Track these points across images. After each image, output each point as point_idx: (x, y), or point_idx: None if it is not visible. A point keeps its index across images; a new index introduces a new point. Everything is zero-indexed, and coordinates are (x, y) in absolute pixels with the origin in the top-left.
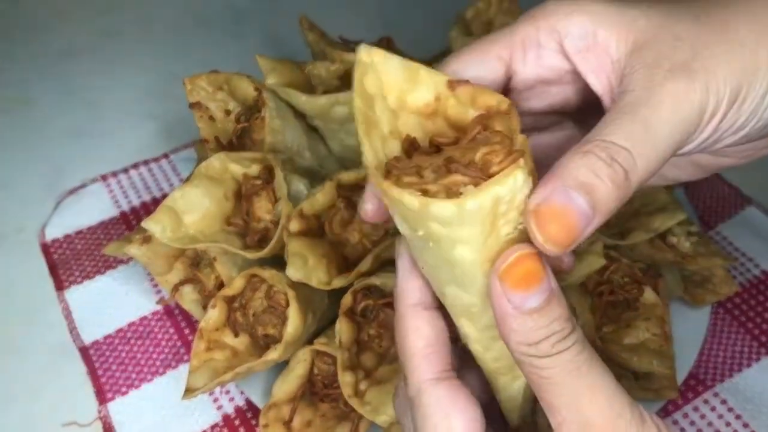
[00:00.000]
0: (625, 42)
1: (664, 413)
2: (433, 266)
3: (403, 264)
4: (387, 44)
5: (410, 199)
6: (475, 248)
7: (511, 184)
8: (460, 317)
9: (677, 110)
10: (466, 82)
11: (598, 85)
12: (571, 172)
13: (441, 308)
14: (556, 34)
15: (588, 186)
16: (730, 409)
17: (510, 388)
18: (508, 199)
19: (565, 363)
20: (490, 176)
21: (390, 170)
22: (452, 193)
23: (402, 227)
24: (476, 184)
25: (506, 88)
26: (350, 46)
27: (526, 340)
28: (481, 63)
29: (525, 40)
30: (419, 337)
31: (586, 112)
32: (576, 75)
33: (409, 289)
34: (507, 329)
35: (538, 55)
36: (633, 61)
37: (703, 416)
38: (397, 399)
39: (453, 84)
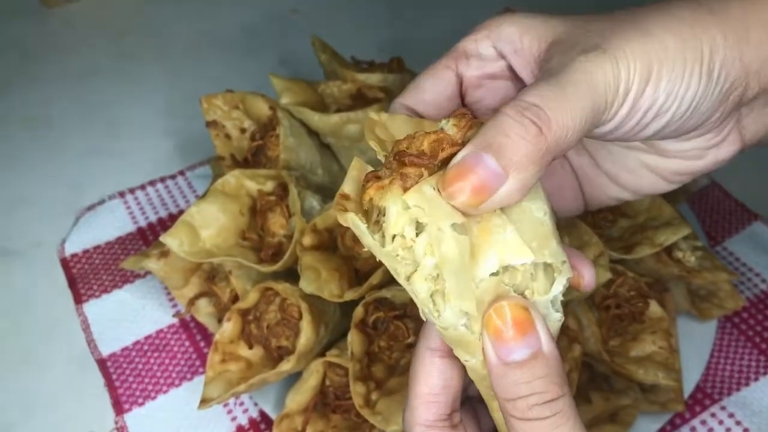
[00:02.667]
0: (545, 41)
1: (671, 426)
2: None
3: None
4: (398, 64)
5: (353, 219)
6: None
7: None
8: (456, 347)
9: (587, 75)
10: (466, 113)
11: (528, 77)
12: (483, 135)
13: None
14: (490, 42)
15: (495, 145)
16: (737, 423)
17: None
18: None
19: None
20: (442, 162)
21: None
22: (408, 182)
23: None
24: (430, 171)
25: (461, 91)
26: (362, 66)
27: (506, 394)
28: (434, 77)
29: (466, 50)
30: (426, 383)
31: None
32: (513, 71)
33: (432, 334)
34: (492, 376)
35: (480, 59)
36: (550, 50)
37: (710, 430)
38: (404, 414)
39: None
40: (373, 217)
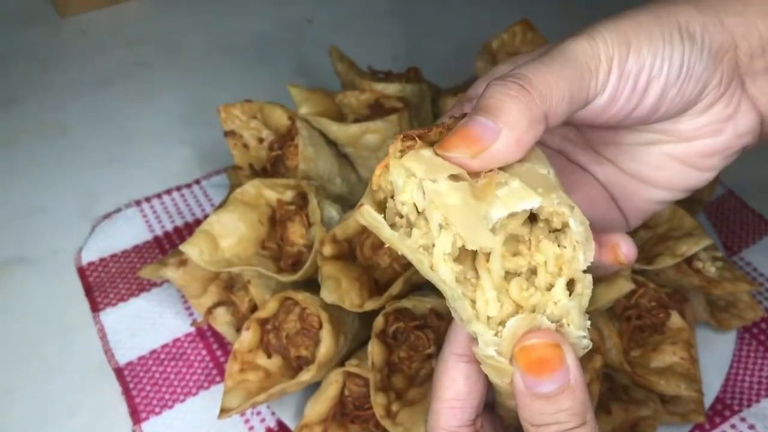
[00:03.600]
0: None
1: None
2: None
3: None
4: (414, 74)
5: (369, 212)
6: None
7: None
8: (485, 366)
9: (564, 50)
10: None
11: None
12: (475, 104)
13: None
14: None
15: (485, 107)
16: None
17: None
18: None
19: None
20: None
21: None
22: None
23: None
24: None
25: None
26: (378, 75)
27: (530, 420)
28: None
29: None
30: (452, 389)
31: None
32: None
33: (458, 339)
34: (518, 401)
35: None
36: None
37: None
38: (428, 418)
39: None
40: (393, 214)
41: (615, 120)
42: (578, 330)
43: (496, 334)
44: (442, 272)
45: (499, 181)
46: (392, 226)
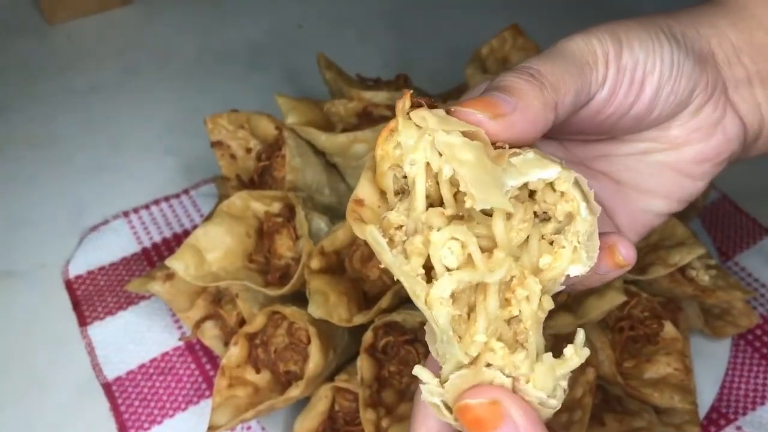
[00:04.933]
0: None
1: None
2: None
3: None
4: (404, 81)
5: (373, 233)
6: None
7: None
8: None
9: (562, 46)
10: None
11: None
12: (491, 87)
13: None
14: None
15: (500, 87)
16: None
17: None
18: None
19: None
20: None
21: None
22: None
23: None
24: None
25: None
26: (367, 83)
27: None
28: None
29: None
30: (424, 426)
31: None
32: None
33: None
34: None
35: None
36: None
37: None
38: None
39: None
40: (392, 192)
41: (613, 118)
42: (538, 391)
43: (441, 384)
44: (437, 313)
45: (514, 152)
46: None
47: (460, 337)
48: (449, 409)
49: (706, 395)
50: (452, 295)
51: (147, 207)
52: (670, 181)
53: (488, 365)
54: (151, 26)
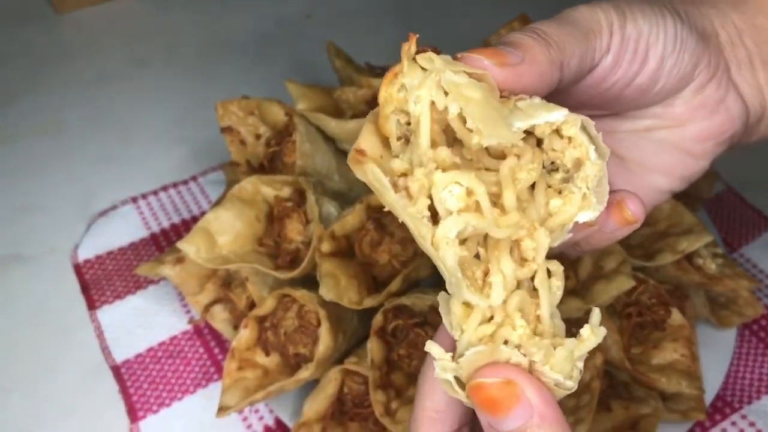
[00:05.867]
0: None
1: None
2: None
3: (438, 332)
4: None
5: (374, 170)
6: None
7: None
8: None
9: (570, 15)
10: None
11: None
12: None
13: None
14: None
15: (507, 43)
16: (758, 431)
17: None
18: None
19: None
20: None
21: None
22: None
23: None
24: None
25: None
26: (376, 71)
27: None
28: None
29: None
30: (430, 399)
31: None
32: None
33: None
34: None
35: None
36: None
37: None
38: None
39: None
40: (396, 139)
41: (617, 88)
42: (557, 374)
43: (454, 360)
44: (444, 254)
45: (520, 97)
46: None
47: (470, 282)
48: (461, 386)
49: (712, 384)
50: (459, 240)
51: (155, 193)
52: (673, 159)
53: (506, 342)
54: (159, 16)
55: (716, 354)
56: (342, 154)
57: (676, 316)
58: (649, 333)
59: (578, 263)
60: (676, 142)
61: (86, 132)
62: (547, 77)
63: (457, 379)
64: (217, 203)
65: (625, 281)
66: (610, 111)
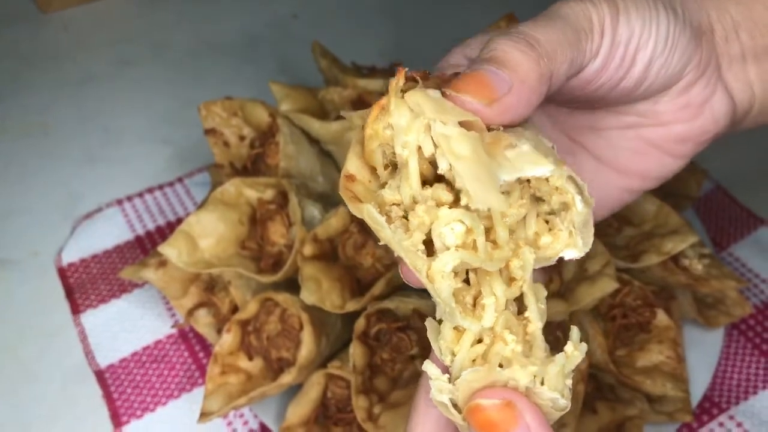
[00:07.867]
0: None
1: None
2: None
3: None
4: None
5: (370, 211)
6: None
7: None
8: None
9: (558, 10)
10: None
11: None
12: (481, 55)
13: None
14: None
15: (496, 58)
16: None
17: None
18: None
19: None
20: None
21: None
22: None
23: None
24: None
25: None
26: (362, 71)
27: None
28: None
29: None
30: (421, 426)
31: None
32: None
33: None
34: None
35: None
36: None
37: None
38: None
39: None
40: (383, 173)
41: (602, 90)
42: (552, 392)
43: (450, 381)
44: (439, 286)
45: (509, 143)
46: (383, 186)
47: (462, 308)
48: (457, 408)
49: (699, 385)
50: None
51: (140, 195)
52: (651, 159)
53: (501, 366)
54: (146, 16)
55: (703, 354)
56: (326, 155)
57: (661, 318)
58: (634, 335)
59: (562, 265)
60: (657, 142)
61: (71, 133)
62: (535, 98)
63: (452, 401)
64: (201, 206)
65: (608, 283)
66: (593, 108)
